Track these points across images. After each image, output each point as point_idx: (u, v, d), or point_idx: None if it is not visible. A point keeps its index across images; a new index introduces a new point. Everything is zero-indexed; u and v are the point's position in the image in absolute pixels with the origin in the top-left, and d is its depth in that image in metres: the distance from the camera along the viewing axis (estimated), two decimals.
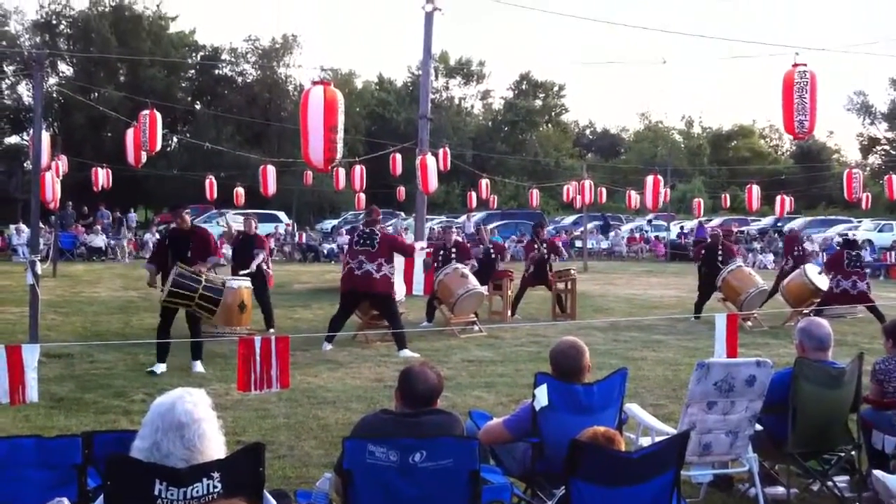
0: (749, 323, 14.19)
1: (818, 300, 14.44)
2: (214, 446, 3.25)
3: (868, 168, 57.75)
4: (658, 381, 9.64)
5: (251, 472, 3.40)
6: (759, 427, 5.52)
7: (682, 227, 41.53)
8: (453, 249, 14.40)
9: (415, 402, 4.24)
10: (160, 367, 9.81)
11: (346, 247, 13.89)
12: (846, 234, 17.20)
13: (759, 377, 5.25)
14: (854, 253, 14.57)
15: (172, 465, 3.15)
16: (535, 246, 15.96)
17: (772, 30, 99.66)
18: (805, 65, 9.96)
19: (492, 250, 15.94)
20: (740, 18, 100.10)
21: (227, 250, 16.03)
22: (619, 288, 21.94)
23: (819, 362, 5.52)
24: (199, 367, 10.07)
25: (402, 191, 35.44)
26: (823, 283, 14.51)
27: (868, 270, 26.68)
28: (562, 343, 5.01)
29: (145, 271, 10.69)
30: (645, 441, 5.49)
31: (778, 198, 29.69)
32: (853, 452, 5.70)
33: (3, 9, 50.31)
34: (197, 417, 3.23)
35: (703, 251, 15.71)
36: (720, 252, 15.22)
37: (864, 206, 28.40)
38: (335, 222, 42.92)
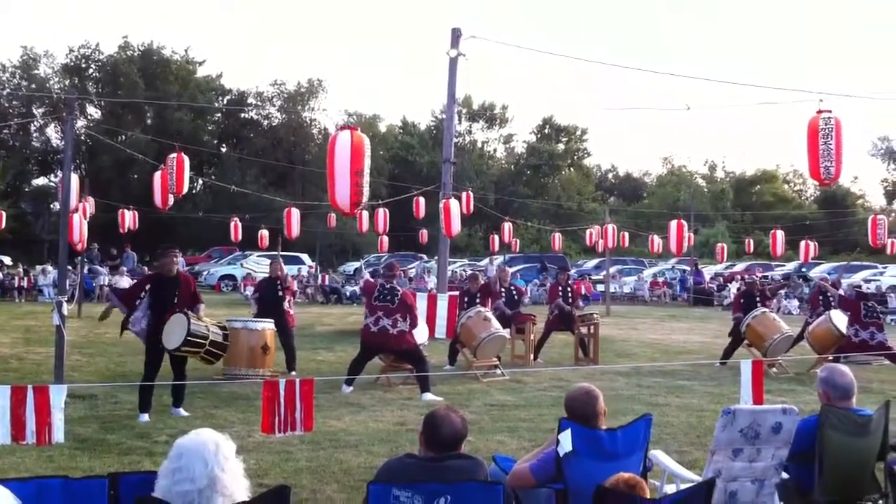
0: (774, 369, 14.08)
1: (839, 347, 14.38)
2: (243, 485, 3.27)
3: (893, 214, 57.37)
4: (682, 427, 9.56)
5: None
6: (785, 475, 5.46)
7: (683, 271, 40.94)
8: (478, 294, 14.42)
9: (439, 447, 4.23)
10: (144, 417, 9.55)
11: (361, 289, 13.90)
12: (860, 287, 17.09)
13: (785, 424, 5.20)
14: (870, 304, 14.61)
15: (217, 503, 3.17)
16: (559, 290, 15.95)
17: (796, 76, 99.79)
18: (830, 111, 9.97)
19: (514, 291, 15.91)
20: (765, 65, 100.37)
21: (249, 291, 16.10)
22: (642, 333, 21.82)
23: (845, 410, 5.47)
24: (182, 412, 9.84)
25: (424, 234, 35.60)
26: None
27: (893, 318, 26.58)
28: (574, 389, 5.02)
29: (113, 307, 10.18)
30: (670, 488, 5.44)
31: (802, 243, 29.55)
32: (880, 502, 5.63)
33: (34, 52, 51.25)
34: (230, 452, 3.27)
35: (741, 299, 15.62)
36: (758, 299, 15.17)
37: (889, 251, 28.18)
38: (358, 264, 43.07)
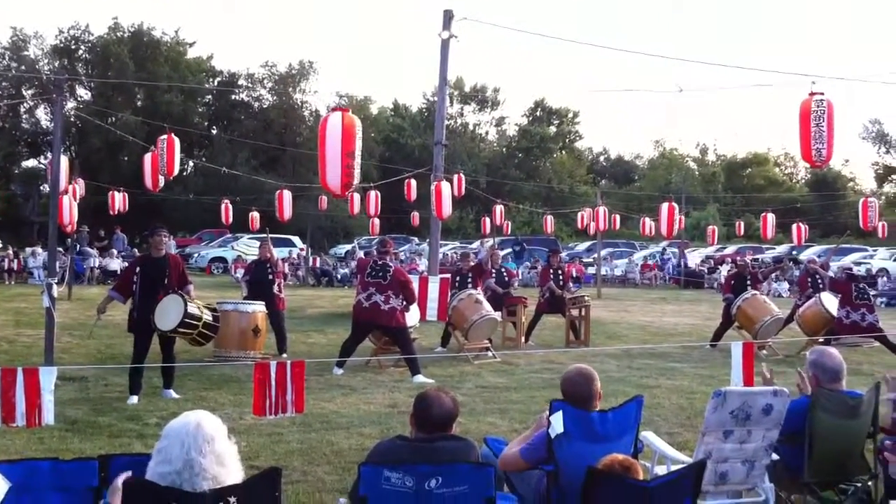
0: (764, 351, 14.11)
1: (829, 329, 14.44)
2: (235, 468, 3.26)
3: (883, 197, 57.53)
4: (673, 409, 9.59)
5: (268, 496, 3.40)
6: (775, 456, 5.48)
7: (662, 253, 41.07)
8: (469, 274, 14.45)
9: (430, 428, 4.23)
10: (133, 399, 9.54)
11: (356, 267, 13.90)
12: (850, 269, 17.14)
13: (775, 406, 5.22)
14: (861, 286, 14.69)
15: (200, 486, 3.16)
16: (550, 273, 15.98)
17: (788, 59, 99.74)
18: (822, 93, 9.95)
19: (504, 273, 15.93)
20: (757, 47, 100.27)
21: (239, 274, 16.07)
22: (632, 315, 21.87)
23: (836, 392, 5.49)
24: (172, 394, 9.83)
25: (416, 216, 35.54)
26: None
27: (883, 300, 26.71)
28: (571, 370, 4.99)
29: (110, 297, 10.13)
30: (660, 470, 5.46)
31: (794, 226, 29.59)
32: (869, 483, 5.65)
33: (23, 33, 50.87)
34: (222, 433, 3.26)
35: (732, 281, 15.66)
36: (748, 281, 15.22)
37: (880, 235, 28.23)
38: (349, 247, 43.04)
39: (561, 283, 15.84)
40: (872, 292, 17.06)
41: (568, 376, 4.96)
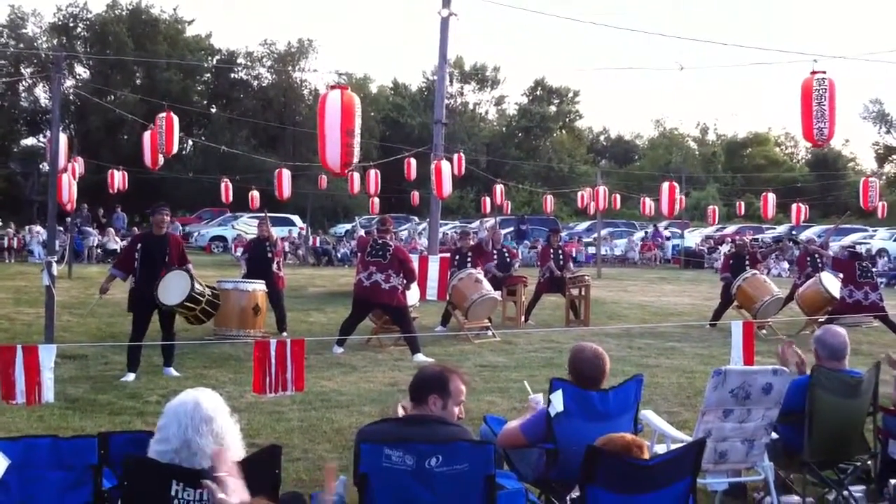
0: (763, 331, 14.13)
1: (832, 308, 14.41)
2: (236, 445, 3.26)
3: (884, 177, 57.43)
4: (672, 388, 9.60)
5: (268, 474, 3.41)
6: (775, 435, 5.48)
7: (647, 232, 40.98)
8: (469, 253, 14.43)
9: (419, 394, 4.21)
10: (130, 377, 9.55)
11: (356, 246, 13.89)
12: (853, 247, 17.09)
13: (775, 385, 5.21)
14: (864, 264, 14.56)
15: (199, 464, 3.16)
16: (550, 253, 15.94)
17: (789, 38, 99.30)
18: (824, 72, 9.91)
19: (506, 252, 15.89)
20: (758, 26, 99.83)
21: (239, 252, 16.06)
22: (632, 295, 21.87)
23: (836, 371, 5.49)
24: (172, 372, 9.86)
25: (416, 195, 35.51)
26: (838, 291, 14.46)
27: (883, 280, 26.71)
28: (585, 350, 4.93)
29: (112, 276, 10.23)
30: (660, 448, 5.46)
31: (794, 206, 29.57)
32: (869, 462, 5.67)
33: (21, 11, 50.68)
34: (222, 412, 3.26)
35: (730, 260, 15.64)
36: (747, 261, 15.20)
37: (879, 215, 28.20)
38: (349, 226, 42.99)
39: (561, 262, 15.80)
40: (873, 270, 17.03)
41: (584, 356, 4.91)
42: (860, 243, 33.80)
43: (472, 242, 15.19)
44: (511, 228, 36.59)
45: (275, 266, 13.53)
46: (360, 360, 11.09)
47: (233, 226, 37.26)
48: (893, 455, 5.67)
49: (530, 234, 37.48)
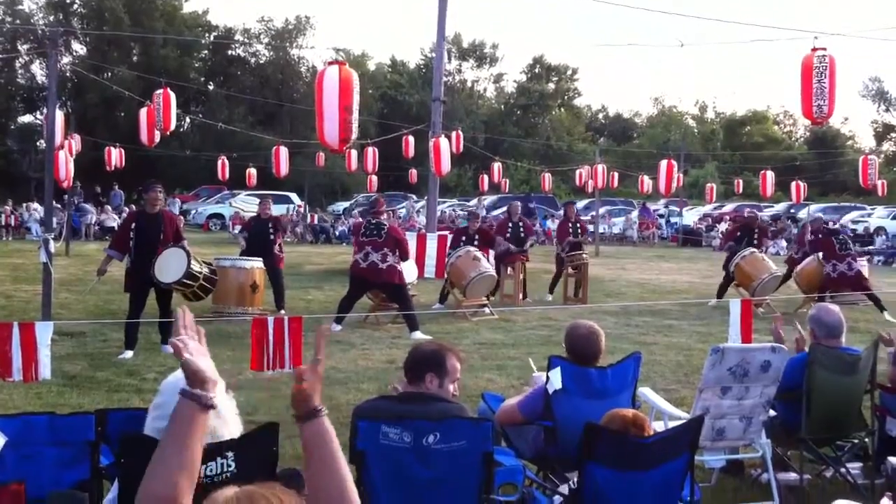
0: (761, 309, 14.12)
1: (821, 286, 14.47)
2: (233, 422, 3.25)
3: (882, 155, 57.33)
4: (670, 365, 9.62)
5: (265, 451, 3.40)
6: (772, 413, 5.49)
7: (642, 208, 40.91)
8: (476, 236, 14.40)
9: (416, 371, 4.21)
10: (128, 354, 9.57)
11: (353, 228, 13.89)
12: (827, 223, 17.41)
13: (773, 363, 5.21)
14: (841, 237, 15.06)
15: None
16: (569, 227, 15.91)
17: (788, 14, 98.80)
18: (825, 49, 9.84)
19: (522, 226, 15.74)
20: (759, 2, 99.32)
21: (237, 230, 16.02)
22: (630, 273, 21.88)
23: (834, 349, 5.49)
24: (170, 349, 9.85)
25: (414, 173, 35.42)
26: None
27: (880, 258, 26.75)
28: (580, 327, 4.95)
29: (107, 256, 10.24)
30: (658, 426, 5.47)
31: (793, 184, 29.51)
32: (866, 439, 5.67)
33: None
34: (220, 388, 3.24)
35: (737, 232, 15.63)
36: (756, 235, 15.20)
37: (879, 193, 28.15)
38: (347, 204, 42.91)
39: (580, 234, 15.94)
40: (870, 249, 17.16)
41: (580, 333, 4.92)
42: (858, 222, 33.89)
43: (478, 224, 15.17)
44: (504, 208, 36.50)
45: (276, 247, 13.49)
46: (358, 337, 11.10)
47: (230, 203, 37.22)
48: (891, 432, 5.68)
49: (540, 213, 37.41)
